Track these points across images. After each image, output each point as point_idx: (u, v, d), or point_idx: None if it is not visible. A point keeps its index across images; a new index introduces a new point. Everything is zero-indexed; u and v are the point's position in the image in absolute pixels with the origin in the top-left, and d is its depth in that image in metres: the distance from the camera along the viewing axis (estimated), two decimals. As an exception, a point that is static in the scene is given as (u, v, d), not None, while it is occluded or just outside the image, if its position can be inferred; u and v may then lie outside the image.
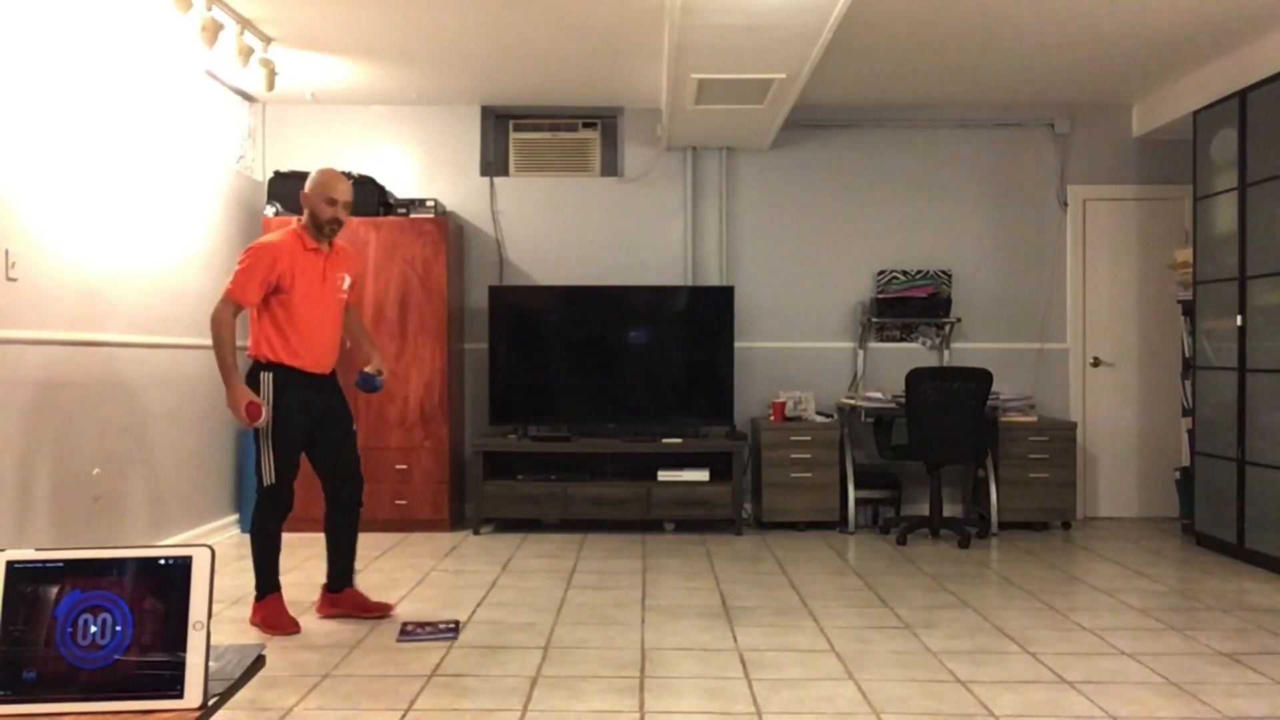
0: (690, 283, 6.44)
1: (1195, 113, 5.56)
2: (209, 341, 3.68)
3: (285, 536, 5.63)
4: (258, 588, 3.84)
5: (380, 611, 3.99)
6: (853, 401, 6.06)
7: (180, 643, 1.44)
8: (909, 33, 5.03)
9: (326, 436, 3.88)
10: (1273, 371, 4.89)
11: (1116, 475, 6.52)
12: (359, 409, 5.80)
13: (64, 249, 4.22)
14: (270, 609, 3.80)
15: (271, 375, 3.72)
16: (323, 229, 3.81)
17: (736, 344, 6.23)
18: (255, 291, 3.67)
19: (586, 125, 6.61)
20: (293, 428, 3.75)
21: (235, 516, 5.88)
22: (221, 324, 3.64)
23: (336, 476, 3.94)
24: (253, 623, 3.83)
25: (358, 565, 4.92)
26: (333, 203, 3.79)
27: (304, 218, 3.83)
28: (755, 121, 5.83)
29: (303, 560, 5.05)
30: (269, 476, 3.74)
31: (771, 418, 6.05)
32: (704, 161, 6.52)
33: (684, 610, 4.10)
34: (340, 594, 3.99)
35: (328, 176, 3.84)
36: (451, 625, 3.79)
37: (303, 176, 5.96)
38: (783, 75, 4.91)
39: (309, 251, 3.78)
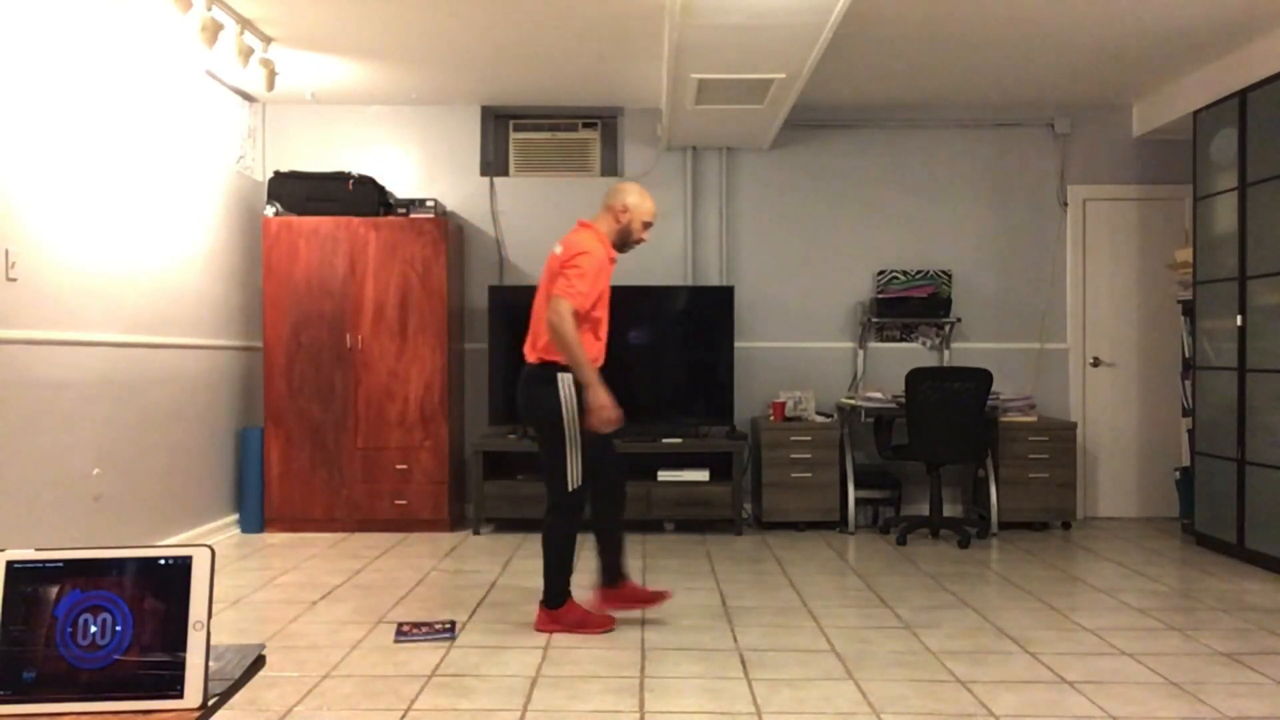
0: (690, 283, 6.44)
1: (1195, 113, 5.56)
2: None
3: (285, 537, 5.71)
4: (553, 596, 3.78)
5: (660, 600, 3.97)
6: (853, 401, 6.06)
7: (180, 643, 1.43)
8: (909, 33, 5.03)
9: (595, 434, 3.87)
10: (1273, 371, 4.89)
11: (1116, 475, 6.52)
12: (359, 409, 5.81)
13: (64, 249, 4.23)
14: (577, 613, 3.78)
15: (571, 377, 3.70)
16: (628, 246, 3.87)
17: (736, 344, 6.23)
18: (592, 299, 3.66)
19: (586, 125, 6.61)
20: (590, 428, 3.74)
21: (235, 516, 5.88)
22: (573, 327, 3.58)
23: (612, 470, 3.90)
24: (542, 628, 3.77)
25: (357, 565, 4.94)
26: (648, 226, 3.86)
27: (607, 226, 3.81)
28: (755, 121, 5.83)
29: (302, 560, 5.06)
30: (575, 480, 3.70)
31: (772, 418, 6.05)
32: (704, 161, 6.52)
33: (684, 610, 4.11)
34: (618, 588, 3.94)
35: (649, 201, 3.85)
36: (448, 625, 3.79)
37: (303, 177, 6.07)
38: (783, 75, 4.91)
39: (610, 261, 3.80)
